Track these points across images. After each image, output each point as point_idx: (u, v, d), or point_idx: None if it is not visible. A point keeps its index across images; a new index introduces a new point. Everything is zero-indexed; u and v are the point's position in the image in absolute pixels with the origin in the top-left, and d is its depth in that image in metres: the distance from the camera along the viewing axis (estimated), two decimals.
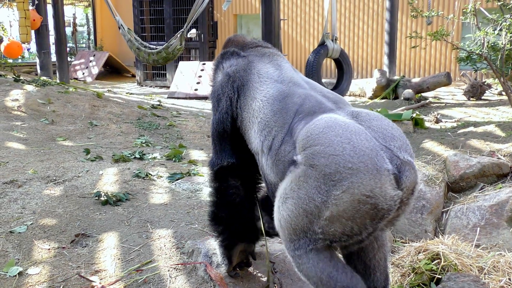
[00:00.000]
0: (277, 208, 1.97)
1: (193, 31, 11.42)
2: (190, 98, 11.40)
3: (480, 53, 7.01)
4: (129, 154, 5.23)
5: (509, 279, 2.93)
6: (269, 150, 2.14)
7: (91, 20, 18.25)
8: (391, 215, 1.80)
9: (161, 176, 4.50)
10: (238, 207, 2.46)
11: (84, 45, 19.39)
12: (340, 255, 2.12)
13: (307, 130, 1.91)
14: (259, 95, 2.27)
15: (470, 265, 3.07)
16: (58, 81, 10.61)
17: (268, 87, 2.27)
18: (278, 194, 1.98)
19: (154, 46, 9.65)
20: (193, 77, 11.89)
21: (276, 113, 2.16)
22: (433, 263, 3.09)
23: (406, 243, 4.15)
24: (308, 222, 1.83)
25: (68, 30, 17.14)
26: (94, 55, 15.56)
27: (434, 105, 9.43)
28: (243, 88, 2.36)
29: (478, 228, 4.30)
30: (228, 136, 2.43)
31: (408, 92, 9.75)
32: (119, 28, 9.50)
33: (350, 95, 11.01)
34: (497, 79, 8.18)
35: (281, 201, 1.94)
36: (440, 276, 2.92)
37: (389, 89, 10.25)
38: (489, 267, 3.03)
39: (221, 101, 2.43)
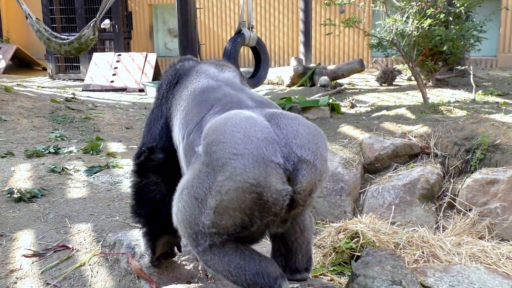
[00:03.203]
0: (175, 202, 1.95)
1: (107, 21, 11.09)
2: (106, 90, 11.08)
3: (390, 39, 7.31)
4: (43, 148, 5.01)
5: (423, 252, 3.10)
6: (183, 140, 2.14)
7: None
8: (282, 212, 1.77)
9: (78, 170, 4.35)
10: (158, 203, 2.42)
11: None
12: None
13: (211, 122, 1.91)
14: (190, 86, 2.34)
15: (387, 241, 3.22)
16: None
17: (200, 81, 2.34)
18: (178, 188, 1.95)
19: (66, 37, 9.25)
20: (109, 69, 11.56)
21: (196, 104, 2.19)
22: (352, 241, 3.21)
23: (327, 224, 4.28)
24: (199, 212, 1.82)
25: None
26: (0, 48, 14.69)
27: (349, 91, 9.73)
28: (182, 77, 2.44)
29: (393, 206, 4.52)
30: (161, 119, 2.43)
31: (324, 79, 9.99)
32: (27, 18, 9.03)
33: (268, 83, 11.13)
34: (406, 64, 8.57)
35: (178, 194, 1.93)
36: (359, 254, 3.04)
37: (306, 77, 10.46)
38: (404, 242, 3.20)
39: (162, 87, 2.52)
